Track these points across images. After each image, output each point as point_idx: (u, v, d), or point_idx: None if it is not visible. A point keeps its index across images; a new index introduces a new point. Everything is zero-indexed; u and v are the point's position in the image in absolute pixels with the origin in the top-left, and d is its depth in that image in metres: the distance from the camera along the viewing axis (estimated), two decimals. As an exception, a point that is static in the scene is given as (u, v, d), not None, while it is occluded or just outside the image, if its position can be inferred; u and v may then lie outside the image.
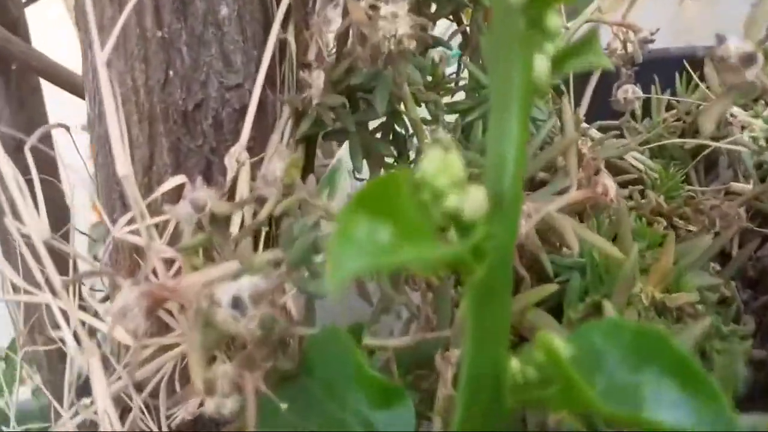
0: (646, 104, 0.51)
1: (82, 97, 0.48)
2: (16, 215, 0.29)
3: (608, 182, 0.26)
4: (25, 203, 0.26)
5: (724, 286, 0.35)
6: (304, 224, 0.25)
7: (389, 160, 0.36)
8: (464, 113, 0.35)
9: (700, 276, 0.31)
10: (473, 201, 0.17)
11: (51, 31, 0.68)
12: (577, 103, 0.49)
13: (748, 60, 0.22)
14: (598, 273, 0.29)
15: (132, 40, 0.29)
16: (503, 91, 0.18)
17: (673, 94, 0.53)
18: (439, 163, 0.17)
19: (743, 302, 0.43)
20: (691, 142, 0.42)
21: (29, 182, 0.30)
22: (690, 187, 0.43)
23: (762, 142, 0.34)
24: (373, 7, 0.29)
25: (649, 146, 0.48)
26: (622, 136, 0.50)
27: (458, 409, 0.19)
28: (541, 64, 0.18)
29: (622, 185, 0.40)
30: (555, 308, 0.32)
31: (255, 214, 0.28)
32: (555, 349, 0.17)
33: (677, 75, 0.53)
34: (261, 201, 0.26)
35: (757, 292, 0.44)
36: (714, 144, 0.41)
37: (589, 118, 0.51)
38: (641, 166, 0.45)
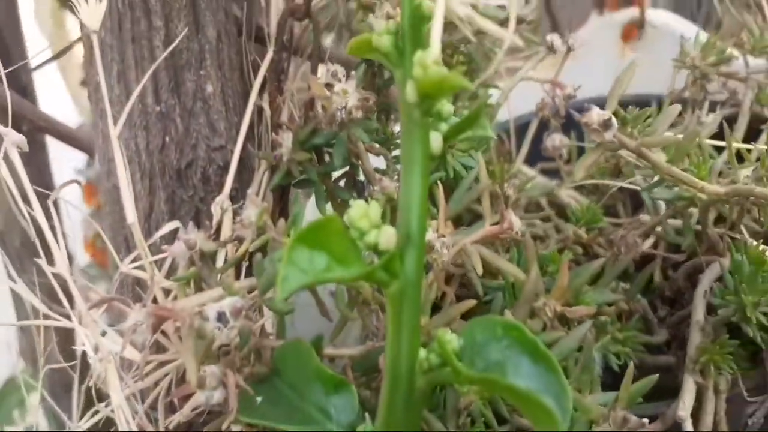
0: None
1: (82, 149, 0.56)
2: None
3: (513, 219, 0.34)
4: (55, 244, 0.33)
5: (627, 302, 0.42)
6: (271, 258, 0.32)
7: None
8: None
9: (601, 293, 0.38)
10: (386, 236, 0.24)
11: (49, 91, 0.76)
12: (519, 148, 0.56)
13: (606, 125, 0.30)
14: (513, 292, 0.36)
15: (135, 113, 0.37)
16: (408, 160, 0.25)
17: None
18: (362, 210, 0.24)
19: (661, 318, 0.51)
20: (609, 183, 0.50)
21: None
22: (614, 219, 0.51)
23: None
24: (329, 85, 0.36)
25: (581, 184, 0.55)
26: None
27: (385, 391, 0.26)
28: (436, 139, 0.25)
29: (550, 218, 0.47)
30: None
31: (237, 251, 0.35)
32: (444, 341, 0.24)
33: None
34: (240, 240, 0.33)
35: (674, 308, 0.51)
36: (617, 184, 0.48)
37: (534, 160, 0.58)
38: (573, 202, 0.52)
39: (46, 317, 0.36)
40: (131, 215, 0.32)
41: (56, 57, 0.69)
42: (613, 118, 0.30)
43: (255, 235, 0.33)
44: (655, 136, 0.31)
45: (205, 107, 0.37)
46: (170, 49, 0.33)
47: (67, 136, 0.61)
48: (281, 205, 0.45)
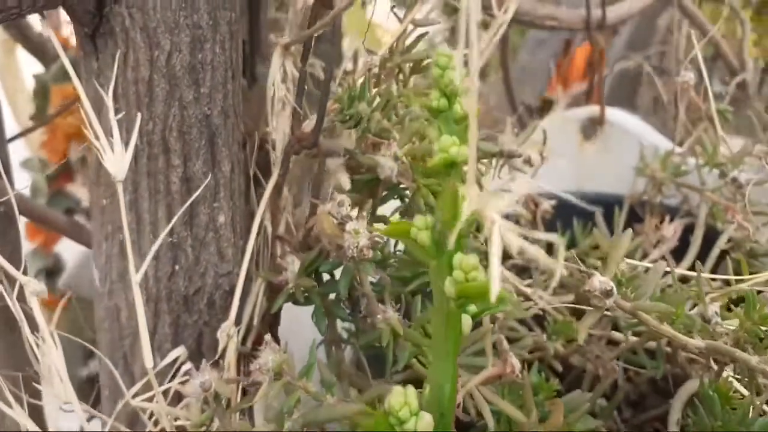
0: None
1: (54, 228, 0.54)
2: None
3: (514, 361, 0.36)
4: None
5: (609, 418, 0.45)
6: (289, 403, 0.33)
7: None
8: (406, 282, 0.44)
9: (586, 421, 0.40)
10: (424, 423, 0.26)
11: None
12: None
13: (608, 294, 0.32)
14: (509, 421, 0.38)
15: (146, 242, 0.37)
16: (441, 343, 0.27)
17: (572, 237, 0.64)
18: (402, 399, 0.25)
19: (625, 420, 0.54)
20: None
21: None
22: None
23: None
24: (341, 224, 0.38)
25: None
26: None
27: None
28: (467, 322, 0.27)
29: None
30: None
31: (245, 391, 0.35)
32: None
33: (575, 220, 0.65)
34: (255, 384, 0.34)
35: (637, 410, 0.55)
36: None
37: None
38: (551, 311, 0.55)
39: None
40: (149, 360, 0.32)
41: (30, 131, 0.68)
42: (615, 288, 0.33)
43: (272, 380, 0.33)
44: (645, 299, 0.34)
45: (216, 236, 0.38)
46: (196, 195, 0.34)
47: (37, 216, 0.60)
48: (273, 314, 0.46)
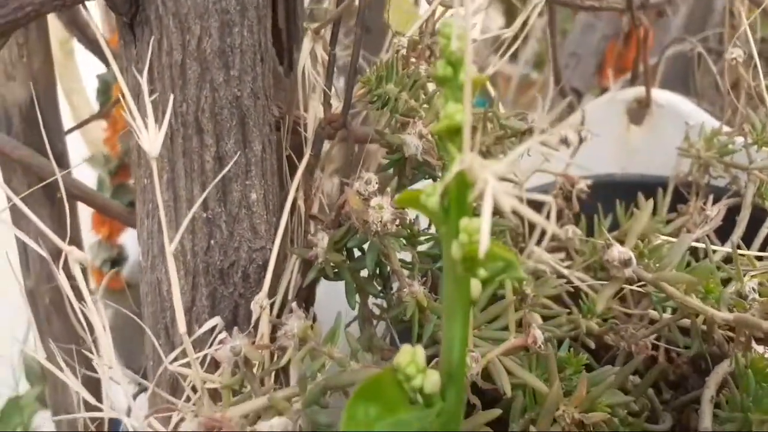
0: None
1: (113, 215, 0.57)
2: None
3: (537, 333, 0.36)
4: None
5: (642, 395, 0.44)
6: (313, 368, 0.35)
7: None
8: (435, 259, 0.45)
9: (614, 395, 0.40)
10: (431, 381, 0.27)
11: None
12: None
13: (626, 263, 0.32)
14: (534, 395, 0.38)
15: (183, 219, 0.39)
16: (451, 307, 0.27)
17: (615, 218, 0.63)
18: (410, 356, 0.26)
19: (665, 402, 0.53)
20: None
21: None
22: (622, 308, 0.53)
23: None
24: (366, 199, 0.39)
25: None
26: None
27: None
28: (476, 287, 0.28)
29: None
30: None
31: (273, 355, 0.37)
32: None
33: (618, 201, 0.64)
34: (282, 348, 0.36)
35: (677, 392, 0.54)
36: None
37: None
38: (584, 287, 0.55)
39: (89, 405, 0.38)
40: (182, 325, 0.34)
41: (86, 122, 0.72)
42: (633, 257, 0.33)
43: (297, 346, 0.35)
44: (669, 270, 0.34)
45: (249, 213, 0.40)
46: (225, 169, 0.36)
47: (98, 204, 0.63)
48: (309, 293, 0.47)
